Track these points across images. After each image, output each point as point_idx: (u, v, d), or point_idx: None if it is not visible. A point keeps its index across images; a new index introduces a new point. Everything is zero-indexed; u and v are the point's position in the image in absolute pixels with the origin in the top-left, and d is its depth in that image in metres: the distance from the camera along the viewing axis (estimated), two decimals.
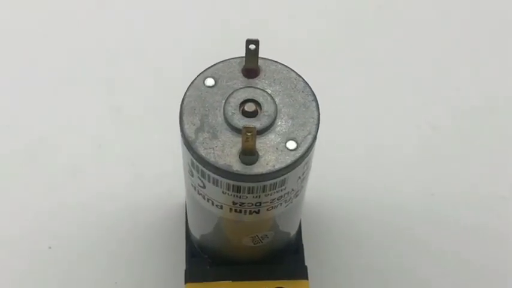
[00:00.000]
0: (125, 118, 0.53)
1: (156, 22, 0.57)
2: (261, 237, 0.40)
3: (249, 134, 0.33)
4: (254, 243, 0.41)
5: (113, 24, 0.57)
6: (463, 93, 0.55)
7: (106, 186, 0.51)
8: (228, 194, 0.36)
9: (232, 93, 0.36)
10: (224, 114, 0.35)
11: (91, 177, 0.51)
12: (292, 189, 0.37)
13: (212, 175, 0.35)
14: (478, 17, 0.57)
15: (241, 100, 0.35)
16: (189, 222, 0.44)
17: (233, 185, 0.35)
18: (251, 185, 0.35)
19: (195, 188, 0.38)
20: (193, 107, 0.36)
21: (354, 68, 0.55)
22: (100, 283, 0.48)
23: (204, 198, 0.37)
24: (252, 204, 0.37)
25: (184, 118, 0.35)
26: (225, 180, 0.35)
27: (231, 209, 0.37)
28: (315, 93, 0.36)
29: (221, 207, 0.37)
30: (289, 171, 0.35)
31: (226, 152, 0.35)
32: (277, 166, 0.35)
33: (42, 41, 0.56)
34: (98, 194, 0.51)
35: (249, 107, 0.35)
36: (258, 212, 0.37)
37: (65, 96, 0.54)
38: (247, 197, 0.36)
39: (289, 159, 0.35)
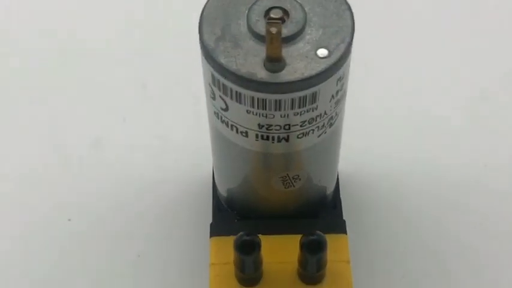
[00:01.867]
0: (150, 94, 0.51)
1: None
2: (293, 178, 0.36)
3: (273, 31, 0.30)
4: (285, 187, 0.36)
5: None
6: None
7: (129, 158, 0.48)
8: (253, 113, 0.32)
9: (256, 1, 0.32)
10: (248, 22, 0.32)
11: (114, 149, 0.48)
12: (325, 113, 0.33)
13: (235, 88, 0.32)
14: None
15: (267, 8, 0.32)
16: (215, 174, 0.40)
17: (258, 99, 0.32)
18: (278, 97, 0.31)
19: (218, 116, 0.34)
20: (214, 17, 0.32)
21: (398, 33, 0.52)
22: (122, 255, 0.44)
23: (227, 125, 0.34)
24: (280, 128, 0.33)
25: (204, 28, 0.32)
26: (248, 93, 0.31)
27: (257, 136, 0.33)
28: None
29: (246, 135, 0.34)
30: (321, 82, 0.31)
31: (249, 60, 0.31)
32: (307, 73, 0.31)
33: (68, 17, 0.54)
34: (119, 166, 0.47)
35: (275, 13, 0.32)
36: (287, 140, 0.34)
37: (88, 71, 0.52)
38: (273, 116, 0.32)
39: (319, 66, 0.31)
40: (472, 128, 0.48)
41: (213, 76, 0.32)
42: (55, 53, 0.52)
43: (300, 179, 0.36)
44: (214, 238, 0.38)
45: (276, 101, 0.32)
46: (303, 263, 0.36)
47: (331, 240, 0.37)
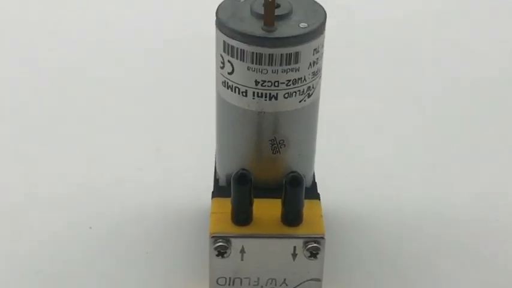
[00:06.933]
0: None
1: None
2: (279, 142, 0.47)
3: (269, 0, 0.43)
4: (273, 151, 0.47)
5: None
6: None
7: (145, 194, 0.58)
8: (252, 69, 0.44)
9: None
10: (250, 8, 0.45)
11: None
12: (305, 79, 0.45)
13: (240, 46, 0.44)
14: None
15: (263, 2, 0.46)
16: (217, 158, 0.50)
17: (256, 54, 0.44)
18: (271, 51, 0.44)
19: (224, 84, 0.46)
20: (225, 7, 0.46)
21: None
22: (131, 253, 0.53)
23: (232, 89, 0.46)
24: (271, 84, 0.45)
25: (219, 12, 0.45)
26: (250, 49, 0.44)
27: (253, 94, 0.45)
28: None
29: (246, 94, 0.45)
30: (302, 43, 0.44)
31: (252, 26, 0.44)
32: (292, 34, 0.44)
33: None
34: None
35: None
36: (276, 98, 0.45)
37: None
38: (267, 72, 0.44)
39: (301, 30, 0.44)
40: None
41: (224, 43, 0.45)
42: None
43: (284, 146, 0.47)
44: (215, 199, 0.48)
45: (269, 55, 0.44)
46: (285, 201, 0.45)
47: (308, 203, 0.47)
